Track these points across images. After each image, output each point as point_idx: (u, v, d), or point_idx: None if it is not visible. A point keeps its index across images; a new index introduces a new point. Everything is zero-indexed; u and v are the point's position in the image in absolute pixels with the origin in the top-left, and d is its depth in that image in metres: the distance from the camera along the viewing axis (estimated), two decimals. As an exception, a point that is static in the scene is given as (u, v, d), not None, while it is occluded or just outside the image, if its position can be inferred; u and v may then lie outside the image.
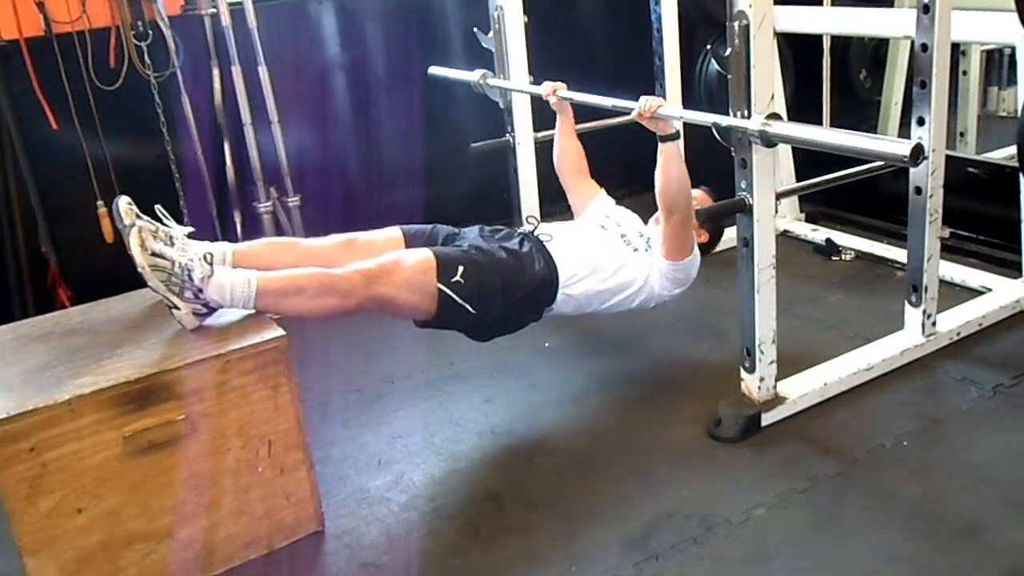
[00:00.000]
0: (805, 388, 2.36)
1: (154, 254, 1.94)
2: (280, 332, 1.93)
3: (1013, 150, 2.89)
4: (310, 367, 2.78)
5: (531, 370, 2.74)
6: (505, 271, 2.28)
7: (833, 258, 3.37)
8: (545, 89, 2.75)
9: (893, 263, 3.19)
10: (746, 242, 2.19)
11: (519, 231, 2.52)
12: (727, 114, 2.12)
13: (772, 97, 2.07)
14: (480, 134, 3.19)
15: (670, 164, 2.35)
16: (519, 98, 3.08)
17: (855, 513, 1.96)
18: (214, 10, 3.21)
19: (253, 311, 2.04)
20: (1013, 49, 2.82)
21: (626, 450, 2.28)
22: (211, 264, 1.97)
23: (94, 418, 1.74)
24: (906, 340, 2.55)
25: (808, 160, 3.42)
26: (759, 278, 2.19)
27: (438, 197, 3.77)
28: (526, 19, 3.01)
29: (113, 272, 2.00)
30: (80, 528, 1.77)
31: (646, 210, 2.64)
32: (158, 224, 2.12)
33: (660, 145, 2.37)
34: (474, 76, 3.06)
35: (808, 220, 3.69)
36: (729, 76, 2.08)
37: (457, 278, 2.18)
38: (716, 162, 2.69)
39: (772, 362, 2.28)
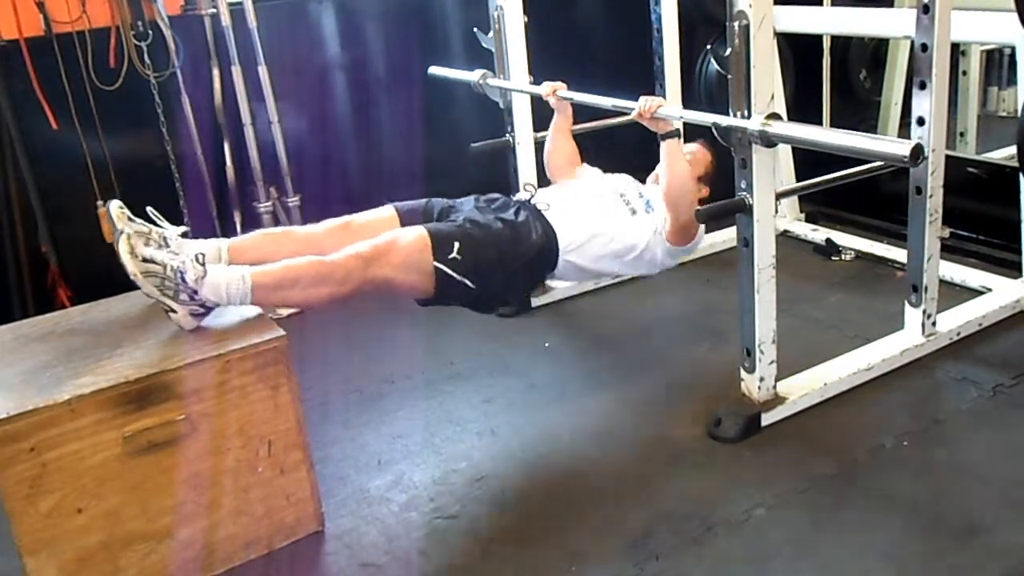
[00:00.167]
0: (805, 388, 2.36)
1: (145, 260, 1.92)
2: (280, 332, 1.93)
3: (1013, 150, 2.89)
4: (310, 367, 2.78)
5: (531, 370, 2.74)
6: (502, 243, 2.26)
7: (833, 258, 3.37)
8: (545, 89, 2.75)
9: (893, 263, 3.19)
10: (746, 242, 2.19)
11: (516, 199, 2.50)
12: (727, 114, 2.12)
13: (772, 97, 2.07)
14: (480, 134, 3.19)
15: (673, 161, 2.35)
16: (519, 98, 3.08)
17: (855, 513, 1.96)
18: (214, 10, 3.21)
19: (252, 308, 2.04)
20: (1013, 49, 2.82)
21: (626, 450, 2.28)
22: (203, 264, 1.95)
23: (94, 418, 1.74)
24: (906, 340, 2.55)
25: (808, 160, 3.42)
26: (759, 278, 2.19)
27: (438, 197, 3.76)
28: (526, 19, 3.01)
29: (113, 272, 2.00)
30: (80, 528, 1.77)
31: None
32: (151, 226, 2.11)
33: (662, 143, 2.37)
34: (474, 76, 3.06)
35: (808, 220, 3.69)
36: (729, 76, 2.08)
37: (454, 254, 2.16)
38: (716, 162, 2.70)
39: (772, 362, 2.28)
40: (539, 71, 3.03)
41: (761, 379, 2.28)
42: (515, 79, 3.02)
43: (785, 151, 3.51)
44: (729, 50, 2.05)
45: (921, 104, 2.32)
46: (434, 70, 3.29)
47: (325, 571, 1.96)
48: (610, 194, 2.54)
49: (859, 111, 4.17)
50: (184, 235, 2.17)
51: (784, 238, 3.51)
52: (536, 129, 3.14)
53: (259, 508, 1.96)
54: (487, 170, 3.33)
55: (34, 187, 3.11)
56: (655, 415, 2.43)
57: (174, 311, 1.94)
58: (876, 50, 4.12)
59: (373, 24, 3.68)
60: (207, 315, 1.99)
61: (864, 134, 2.06)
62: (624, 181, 2.63)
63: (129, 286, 2.09)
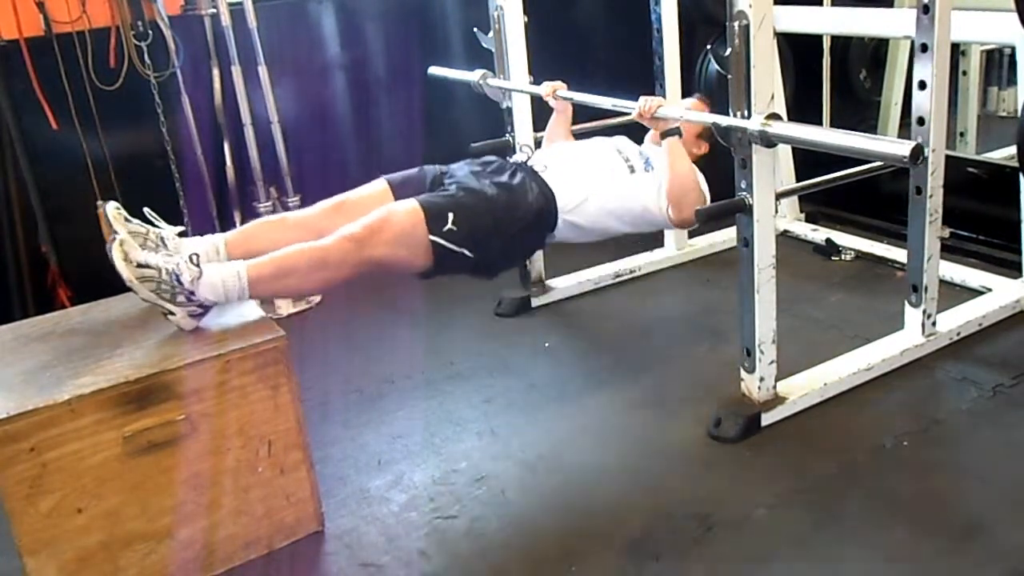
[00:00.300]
0: (805, 388, 2.36)
1: (139, 265, 1.91)
2: (280, 332, 1.93)
3: (1013, 150, 2.89)
4: (310, 367, 2.78)
5: (531, 370, 2.74)
6: (497, 208, 2.24)
7: (833, 258, 3.37)
8: (545, 89, 2.75)
9: (893, 263, 3.19)
10: (746, 242, 2.19)
11: (512, 161, 2.48)
12: (727, 114, 2.12)
13: (772, 97, 2.07)
14: (480, 134, 3.18)
15: (675, 159, 2.35)
16: (519, 98, 3.08)
17: (855, 513, 1.96)
18: (214, 10, 3.21)
19: (253, 308, 2.04)
20: (1013, 49, 2.82)
21: (626, 450, 2.28)
22: (198, 265, 1.95)
23: (94, 418, 1.74)
24: (906, 340, 2.54)
25: (808, 160, 3.42)
26: (759, 278, 2.19)
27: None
28: (526, 19, 3.00)
29: (113, 272, 2.00)
30: (80, 528, 1.77)
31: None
32: (148, 227, 2.11)
33: (663, 142, 2.37)
34: (474, 76, 3.06)
35: (808, 220, 3.69)
36: (729, 76, 2.08)
37: (448, 226, 2.14)
38: (716, 162, 2.70)
39: (772, 362, 2.28)
40: (539, 71, 3.03)
41: (761, 379, 2.28)
42: (515, 79, 3.02)
43: (785, 151, 3.51)
44: (729, 50, 2.05)
45: (921, 104, 2.32)
46: (434, 70, 3.29)
47: (325, 571, 1.96)
48: (609, 152, 2.51)
49: (859, 111, 4.17)
50: (182, 234, 2.16)
51: (784, 238, 3.51)
52: (536, 129, 3.14)
53: (259, 508, 1.96)
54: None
55: (34, 187, 3.11)
56: (655, 415, 2.43)
57: (173, 313, 1.93)
58: (876, 50, 4.11)
59: (373, 24, 3.68)
60: (206, 314, 1.99)
61: (864, 134, 2.06)
62: (623, 140, 2.62)
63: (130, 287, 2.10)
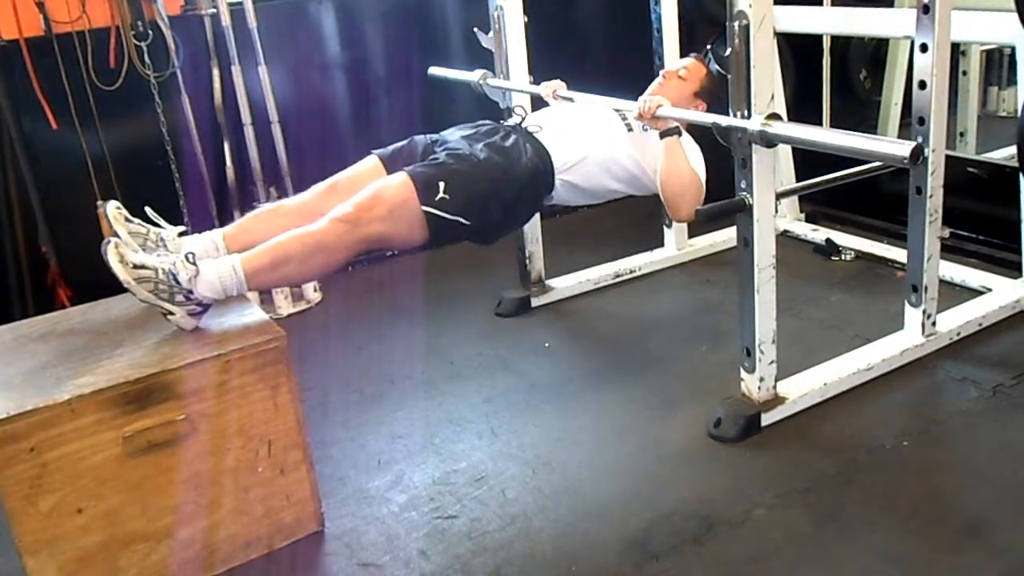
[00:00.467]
0: (805, 388, 2.36)
1: (136, 266, 1.90)
2: (280, 332, 1.93)
3: (1013, 150, 2.89)
4: (310, 367, 2.79)
5: (531, 370, 2.74)
6: (491, 171, 2.22)
7: (833, 258, 3.37)
8: (545, 89, 2.75)
9: (893, 263, 3.19)
10: (746, 242, 2.19)
11: (506, 124, 2.46)
12: (727, 114, 2.12)
13: (772, 97, 2.07)
14: (480, 134, 3.18)
15: (672, 159, 2.34)
16: (519, 98, 3.07)
17: (855, 513, 1.96)
18: (214, 10, 3.21)
19: (254, 309, 2.04)
20: (1013, 49, 2.81)
21: (626, 450, 2.28)
22: (195, 263, 1.94)
23: (94, 418, 1.74)
24: (906, 340, 2.54)
25: (808, 160, 3.42)
26: (759, 278, 2.19)
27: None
28: (526, 19, 3.00)
29: (113, 272, 2.00)
30: (80, 528, 1.77)
31: (647, 212, 2.64)
32: (149, 226, 2.10)
33: (662, 141, 2.37)
34: (474, 76, 3.06)
35: (808, 220, 3.69)
36: (729, 76, 2.08)
37: (441, 195, 2.11)
38: (716, 162, 2.70)
39: (772, 362, 2.28)
40: (539, 71, 3.03)
41: (761, 379, 2.28)
42: (515, 79, 3.02)
43: (785, 151, 3.51)
44: (729, 50, 2.05)
45: (921, 104, 2.32)
46: (434, 70, 3.28)
47: (325, 571, 1.96)
48: (606, 111, 2.50)
49: (859, 111, 4.17)
50: (182, 234, 2.16)
51: (784, 238, 3.51)
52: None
53: (259, 508, 1.96)
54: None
55: (34, 187, 3.11)
56: (655, 415, 2.43)
57: (172, 313, 1.93)
58: (876, 50, 4.11)
59: (373, 24, 3.68)
60: (205, 312, 1.99)
61: (864, 134, 2.05)
62: (620, 102, 2.61)
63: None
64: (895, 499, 2.00)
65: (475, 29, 3.10)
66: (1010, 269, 2.96)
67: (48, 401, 1.70)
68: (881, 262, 3.27)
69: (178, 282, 1.91)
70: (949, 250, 3.00)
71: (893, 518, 1.93)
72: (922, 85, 2.30)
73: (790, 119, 2.11)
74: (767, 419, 2.29)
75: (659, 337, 2.90)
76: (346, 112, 3.69)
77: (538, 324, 3.07)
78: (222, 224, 3.37)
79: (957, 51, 3.93)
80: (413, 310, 3.26)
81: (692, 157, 2.43)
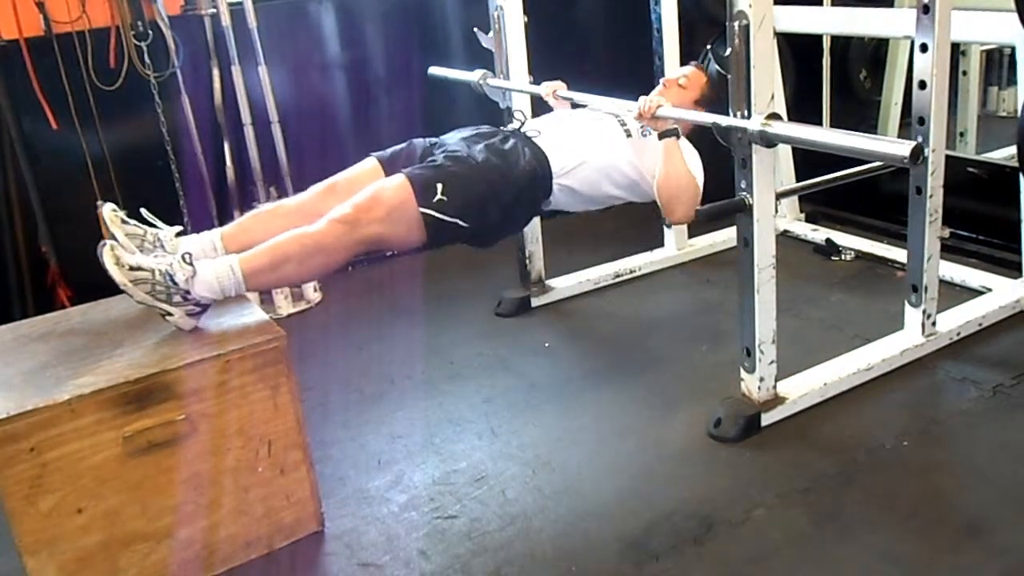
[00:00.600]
0: (805, 388, 2.36)
1: (131, 268, 1.90)
2: (280, 332, 1.93)
3: (1013, 150, 2.89)
4: (310, 367, 2.79)
5: (531, 370, 2.74)
6: (489, 173, 2.22)
7: (833, 258, 3.37)
8: (545, 89, 2.75)
9: (893, 263, 3.19)
10: (746, 242, 2.19)
11: (505, 129, 2.47)
12: (727, 114, 2.12)
13: (772, 97, 2.07)
14: (480, 134, 3.18)
15: (670, 160, 2.34)
16: (519, 98, 3.07)
17: (855, 513, 1.96)
18: (214, 10, 3.21)
19: (254, 309, 2.04)
20: (1013, 49, 2.81)
21: (626, 450, 2.28)
22: (191, 263, 1.93)
23: (94, 418, 1.74)
24: (906, 340, 2.54)
25: (808, 160, 3.42)
26: (759, 278, 2.19)
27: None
28: (526, 19, 3.01)
29: (109, 275, 2.00)
30: (80, 528, 1.77)
31: (647, 213, 2.64)
32: (146, 227, 2.10)
33: (660, 142, 2.37)
34: (474, 76, 3.06)
35: (808, 220, 3.69)
36: (729, 76, 2.08)
37: (439, 197, 2.12)
38: (716, 162, 2.70)
39: (772, 362, 2.28)
40: (539, 71, 3.03)
41: (761, 379, 2.28)
42: (515, 79, 3.02)
43: (785, 151, 3.51)
44: (729, 50, 2.05)
45: (921, 104, 2.32)
46: (434, 70, 3.28)
47: (325, 571, 1.96)
48: (604, 116, 2.50)
49: (859, 111, 4.17)
50: (180, 234, 2.16)
51: (784, 238, 3.51)
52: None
53: (259, 508, 1.96)
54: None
55: (34, 187, 3.11)
56: (655, 415, 2.43)
57: (170, 314, 1.92)
58: (876, 50, 4.11)
59: (373, 24, 3.68)
60: (204, 312, 1.98)
61: (864, 134, 2.05)
62: (620, 102, 2.61)
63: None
64: (895, 499, 2.00)
65: (475, 29, 3.10)
66: (1010, 269, 2.96)
67: (48, 401, 1.70)
68: (881, 262, 3.27)
69: (175, 283, 1.91)
70: (949, 250, 3.00)
71: (893, 518, 1.93)
72: (922, 85, 2.30)
73: (790, 119, 2.11)
74: (767, 419, 2.29)
75: (659, 337, 2.90)
76: (346, 112, 3.69)
77: (538, 324, 3.07)
78: (222, 224, 3.39)
79: (957, 51, 3.93)
80: (413, 310, 3.26)
81: (690, 162, 2.43)
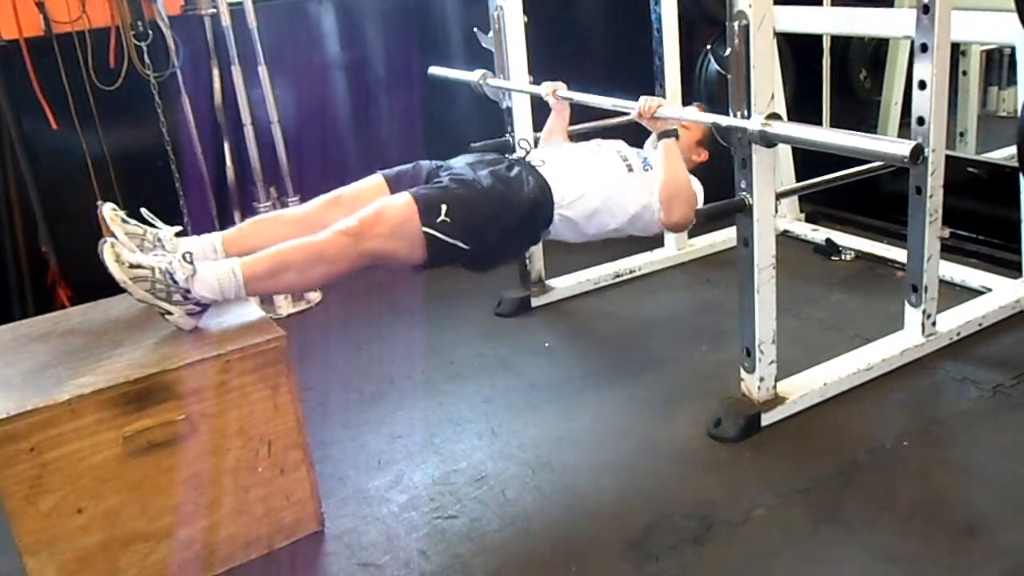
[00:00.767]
0: (805, 388, 2.36)
1: (132, 266, 1.90)
2: (280, 332, 1.93)
3: (1013, 150, 2.89)
4: (310, 367, 2.79)
5: (531, 370, 2.74)
6: (493, 198, 2.24)
7: (833, 258, 3.37)
8: (545, 89, 2.75)
9: (893, 263, 3.19)
10: (746, 242, 2.19)
11: (509, 157, 2.48)
12: (727, 114, 2.12)
13: (772, 97, 2.07)
14: (480, 134, 3.18)
15: (669, 160, 2.35)
16: (519, 98, 3.08)
17: (855, 513, 1.96)
18: (214, 10, 3.21)
19: (253, 308, 2.04)
20: (1013, 49, 2.82)
21: (626, 450, 2.28)
22: (192, 263, 1.94)
23: (94, 418, 1.74)
24: (906, 340, 2.54)
25: (808, 160, 3.42)
26: (759, 278, 2.19)
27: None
28: (526, 19, 3.01)
29: (109, 272, 2.00)
30: (80, 528, 1.77)
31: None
32: (146, 227, 2.10)
33: (659, 142, 2.37)
34: (474, 76, 3.06)
35: (808, 220, 3.69)
36: (729, 76, 2.08)
37: (442, 218, 2.13)
38: (716, 162, 2.70)
39: (772, 362, 2.28)
40: (539, 71, 3.03)
41: (761, 379, 2.28)
42: (515, 79, 3.02)
43: (785, 151, 3.51)
44: (729, 50, 2.05)
45: (921, 104, 2.32)
46: (434, 70, 3.29)
47: (325, 571, 1.96)
48: (608, 152, 2.52)
49: (859, 111, 4.17)
50: (180, 234, 2.16)
51: (784, 238, 3.51)
52: (536, 129, 3.14)
53: (259, 508, 1.96)
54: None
55: (34, 187, 3.11)
56: (655, 415, 2.43)
57: (170, 313, 1.92)
58: (876, 50, 4.11)
59: (373, 24, 3.68)
60: (204, 313, 1.98)
61: (864, 134, 2.06)
62: (622, 143, 2.62)
63: (127, 288, 2.10)
64: (895, 499, 2.00)
65: (475, 29, 3.10)
66: (1010, 269, 2.96)
67: (48, 401, 1.70)
68: (881, 262, 3.27)
69: (175, 281, 1.91)
70: (949, 250, 3.00)
71: (893, 518, 1.94)
72: (922, 85, 2.30)
73: (790, 119, 2.11)
74: (767, 419, 2.29)
75: (659, 337, 2.90)
76: (346, 112, 3.69)
77: (538, 324, 3.07)
78: (222, 224, 3.40)
79: (957, 51, 3.93)
80: (413, 310, 3.26)
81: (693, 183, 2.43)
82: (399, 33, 3.71)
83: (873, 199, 3.49)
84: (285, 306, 3.28)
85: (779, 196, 2.28)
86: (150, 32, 3.12)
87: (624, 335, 2.96)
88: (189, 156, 3.31)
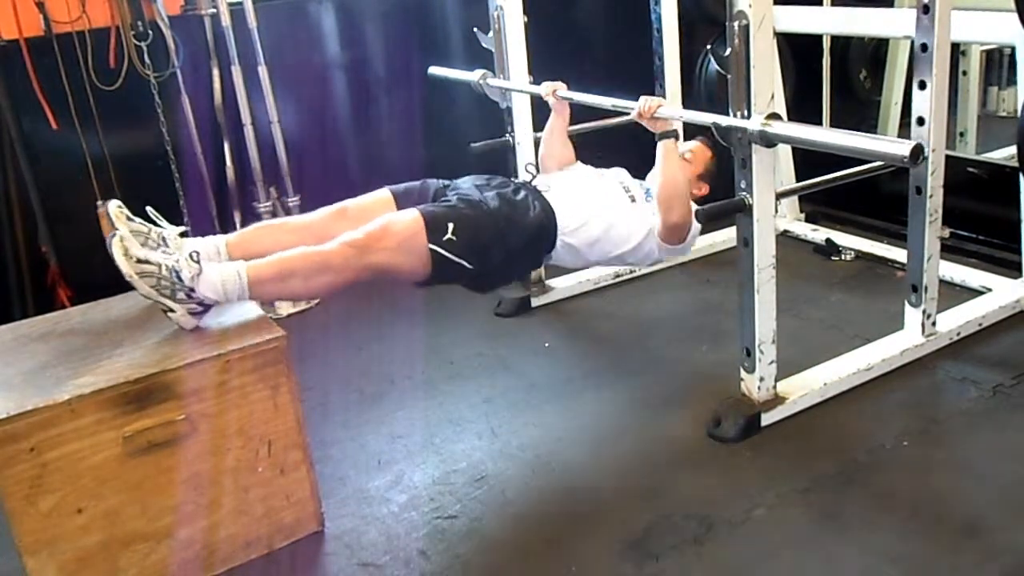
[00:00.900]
0: (805, 388, 2.36)
1: (139, 260, 1.91)
2: (280, 332, 1.93)
3: (1013, 150, 2.89)
4: (310, 367, 2.79)
5: (531, 370, 2.74)
6: (499, 220, 2.26)
7: (833, 258, 3.37)
8: (545, 89, 2.75)
9: (893, 263, 3.19)
10: (746, 242, 2.19)
11: (516, 180, 2.50)
12: (727, 114, 2.12)
13: (772, 97, 2.07)
14: (480, 134, 3.19)
15: (668, 161, 2.35)
16: (519, 98, 3.08)
17: (855, 513, 1.96)
18: (214, 10, 3.21)
19: (252, 308, 2.04)
20: (1013, 49, 2.82)
21: (626, 450, 2.28)
22: (198, 262, 1.95)
23: (94, 418, 1.74)
24: (906, 340, 2.54)
25: (808, 160, 3.42)
26: (759, 278, 2.19)
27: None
28: (526, 19, 3.01)
29: (113, 272, 2.00)
30: (80, 528, 1.77)
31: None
32: (150, 226, 2.11)
33: (659, 144, 2.37)
34: (474, 76, 3.06)
35: (808, 220, 3.69)
36: (729, 76, 2.08)
37: (448, 236, 2.15)
38: (716, 162, 2.70)
39: (772, 362, 2.28)
40: (539, 71, 3.03)
41: (761, 379, 2.28)
42: (515, 79, 3.02)
43: (785, 151, 3.51)
44: (729, 50, 2.05)
45: (921, 104, 2.32)
46: (434, 70, 3.29)
47: (325, 571, 1.96)
48: (611, 182, 2.54)
49: (859, 111, 4.17)
50: (183, 235, 2.17)
51: (784, 238, 3.51)
52: (536, 129, 3.14)
53: (259, 508, 1.96)
54: (487, 170, 3.34)
55: (34, 187, 3.11)
56: (655, 415, 2.43)
57: (172, 310, 1.93)
58: (876, 50, 4.12)
59: (373, 24, 3.68)
60: (206, 313, 1.99)
61: (864, 134, 2.06)
62: (624, 173, 2.63)
63: (129, 286, 2.10)
64: (895, 499, 2.00)
65: (475, 29, 3.10)
66: (1010, 269, 2.96)
67: (48, 401, 1.70)
68: (881, 262, 3.27)
69: (180, 279, 1.92)
70: (949, 250, 3.00)
71: (893, 518, 1.94)
72: (922, 85, 2.30)
73: (790, 119, 2.11)
74: (767, 419, 2.29)
75: (659, 337, 2.90)
76: (346, 112, 3.69)
77: (538, 324, 3.07)
78: (221, 224, 3.40)
79: (957, 51, 3.93)
80: (413, 310, 3.26)
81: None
82: (399, 33, 3.71)
83: (873, 199, 3.49)
84: (285, 306, 3.28)
85: (779, 196, 2.28)
86: (150, 32, 3.12)
87: (624, 335, 2.96)
88: (189, 156, 3.31)
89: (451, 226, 2.16)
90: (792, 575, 1.81)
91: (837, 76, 3.90)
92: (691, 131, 2.83)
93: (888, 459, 2.14)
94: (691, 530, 1.94)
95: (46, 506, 1.72)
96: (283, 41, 3.46)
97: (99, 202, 3.08)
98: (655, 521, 1.98)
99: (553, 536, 1.98)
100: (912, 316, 2.55)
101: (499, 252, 2.24)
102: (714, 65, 3.78)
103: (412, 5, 3.72)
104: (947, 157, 2.39)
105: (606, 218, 2.40)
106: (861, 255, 3.35)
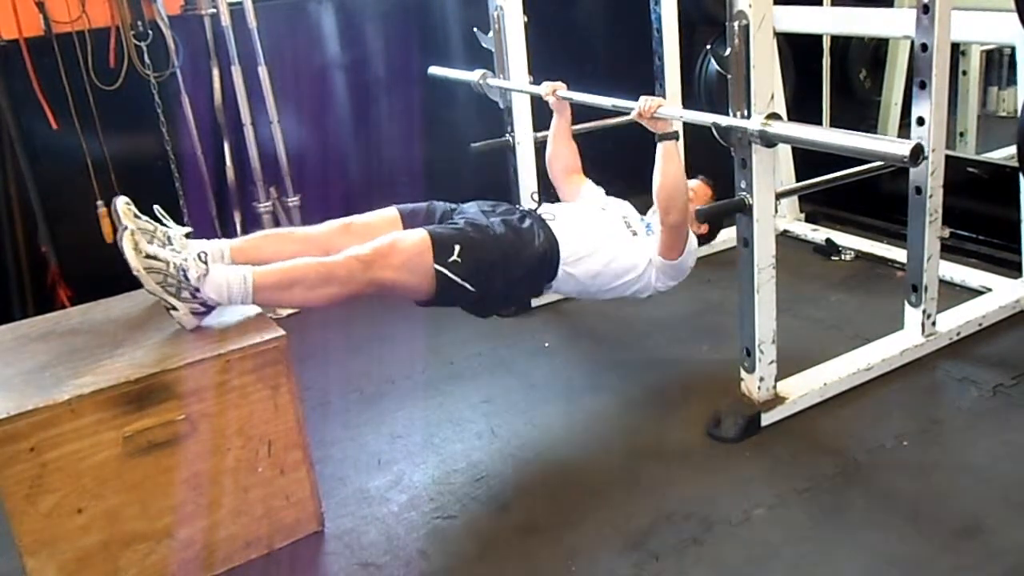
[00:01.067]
0: (805, 388, 2.36)
1: (148, 256, 1.93)
2: (280, 332, 1.93)
3: (1013, 150, 2.89)
4: (310, 367, 2.79)
5: (531, 370, 2.74)
6: (504, 246, 2.28)
7: (833, 258, 3.37)
8: (545, 89, 2.75)
9: (893, 263, 3.20)
10: (746, 242, 2.19)
11: (521, 208, 2.52)
12: (727, 114, 2.12)
13: (772, 97, 2.07)
14: (480, 134, 3.19)
15: (668, 163, 2.35)
16: (519, 98, 3.08)
17: (855, 513, 1.96)
18: (214, 10, 3.21)
19: (253, 308, 2.05)
20: (1013, 49, 2.82)
21: (626, 450, 2.28)
22: (206, 263, 1.97)
23: (94, 418, 1.74)
24: (906, 340, 2.55)
25: (808, 160, 3.42)
26: (759, 278, 2.19)
27: (438, 197, 3.75)
28: (526, 19, 3.01)
29: (113, 272, 2.01)
30: (80, 528, 1.77)
31: (645, 211, 2.64)
32: (156, 224, 2.11)
33: (659, 144, 2.37)
34: (474, 76, 3.06)
35: (808, 220, 3.69)
36: (729, 76, 2.08)
37: (454, 257, 2.17)
38: (716, 162, 2.70)
39: (772, 362, 2.28)
40: (539, 71, 3.03)
41: (761, 379, 2.28)
42: (515, 79, 3.02)
43: (785, 151, 3.51)
44: (729, 50, 2.06)
45: (921, 104, 2.32)
46: (434, 70, 3.29)
47: (325, 571, 1.96)
48: (614, 216, 2.56)
49: (859, 111, 4.17)
50: (188, 235, 2.18)
51: (784, 238, 3.51)
52: (536, 129, 3.14)
53: (259, 508, 1.96)
54: (487, 170, 3.34)
55: (34, 187, 3.11)
56: (655, 415, 2.43)
57: (175, 309, 1.94)
58: (876, 50, 4.11)
59: (373, 24, 3.68)
60: (208, 314, 2.00)
61: (864, 134, 2.06)
62: (628, 207, 2.65)
63: (130, 286, 2.11)
64: (895, 499, 2.00)
65: (475, 29, 3.10)
66: (1010, 269, 2.96)
67: (48, 401, 1.70)
68: (881, 262, 3.27)
69: (187, 278, 1.93)
70: (949, 250, 3.00)
71: (893, 518, 1.94)
72: (922, 85, 2.30)
73: (790, 119, 2.12)
74: (767, 419, 2.29)
75: (659, 337, 2.90)
76: (346, 112, 3.69)
77: (538, 324, 3.07)
78: (221, 224, 3.40)
79: (957, 51, 3.93)
80: (413, 310, 3.23)
81: (690, 246, 2.45)
82: (399, 33, 3.71)
83: (873, 199, 3.49)
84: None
85: (779, 196, 2.28)
86: (150, 32, 3.12)
87: (624, 335, 2.96)
88: (189, 156, 3.31)
89: (457, 248, 2.19)
90: (792, 575, 1.81)
91: (837, 76, 3.90)
92: (691, 131, 2.83)
93: (888, 459, 2.14)
94: (691, 530, 1.94)
95: (46, 506, 1.72)
96: (283, 41, 3.46)
97: (99, 202, 3.12)
98: (655, 521, 1.98)
99: (553, 536, 1.98)
100: (912, 316, 2.55)
101: (502, 277, 2.26)
102: (714, 65, 3.78)
103: (412, 5, 3.72)
104: (947, 157, 2.39)
105: (608, 251, 2.42)
106: (861, 255, 3.35)
